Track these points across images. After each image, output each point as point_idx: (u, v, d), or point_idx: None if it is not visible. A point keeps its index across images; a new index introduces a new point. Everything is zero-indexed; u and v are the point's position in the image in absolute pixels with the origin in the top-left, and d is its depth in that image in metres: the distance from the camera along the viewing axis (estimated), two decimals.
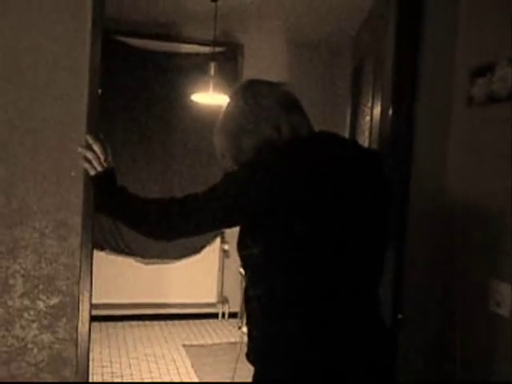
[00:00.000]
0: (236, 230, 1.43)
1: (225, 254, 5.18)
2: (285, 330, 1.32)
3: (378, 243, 1.43)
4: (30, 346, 1.79)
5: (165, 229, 1.44)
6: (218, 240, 5.14)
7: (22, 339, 1.79)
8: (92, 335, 1.92)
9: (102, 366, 3.88)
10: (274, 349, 1.34)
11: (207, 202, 1.37)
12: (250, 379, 1.43)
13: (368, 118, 2.68)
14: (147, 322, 4.98)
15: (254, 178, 1.32)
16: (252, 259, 1.38)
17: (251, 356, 1.42)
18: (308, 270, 1.31)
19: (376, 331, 1.39)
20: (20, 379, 1.79)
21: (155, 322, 5.01)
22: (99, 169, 1.58)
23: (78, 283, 1.82)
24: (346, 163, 1.38)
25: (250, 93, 1.46)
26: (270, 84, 1.49)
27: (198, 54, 4.92)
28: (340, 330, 1.32)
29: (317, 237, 1.30)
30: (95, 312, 2.06)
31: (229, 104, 1.50)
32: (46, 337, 1.81)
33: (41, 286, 1.79)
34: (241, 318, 4.77)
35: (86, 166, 1.61)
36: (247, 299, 1.45)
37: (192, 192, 1.41)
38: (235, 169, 1.43)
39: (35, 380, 1.80)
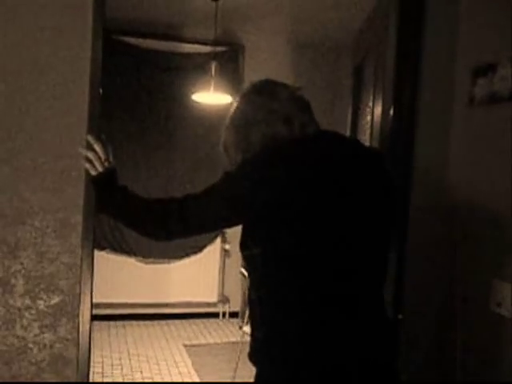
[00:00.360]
0: (237, 229, 1.42)
1: (226, 253, 5.18)
2: (285, 331, 1.31)
3: (381, 242, 1.41)
4: (30, 345, 1.79)
5: (163, 229, 1.44)
6: (219, 239, 5.14)
7: (23, 339, 1.79)
8: (93, 335, 1.92)
9: (103, 366, 3.88)
10: (275, 350, 1.33)
11: (206, 202, 1.37)
12: (250, 379, 1.42)
13: (369, 117, 2.68)
14: (148, 322, 4.99)
15: (254, 177, 1.31)
16: (253, 259, 1.37)
17: (253, 357, 1.41)
18: (308, 271, 1.30)
19: (378, 332, 1.37)
20: (21, 379, 1.79)
21: (156, 322, 5.01)
22: (100, 169, 1.58)
23: (79, 282, 1.82)
24: (347, 163, 1.37)
25: (264, 88, 1.47)
26: (284, 84, 1.49)
27: (198, 54, 4.92)
28: (341, 331, 1.30)
29: (317, 237, 1.29)
30: (96, 311, 2.06)
31: (242, 98, 1.49)
32: (47, 336, 1.81)
33: (42, 286, 1.79)
34: (241, 317, 4.78)
35: (87, 166, 1.61)
36: (250, 300, 1.45)
37: (191, 192, 1.41)
38: (235, 167, 1.41)
39: (36, 380, 1.80)
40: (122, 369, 3.86)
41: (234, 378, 3.54)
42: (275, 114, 1.41)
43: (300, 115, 1.43)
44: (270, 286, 1.34)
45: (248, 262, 1.40)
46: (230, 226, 1.49)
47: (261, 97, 1.44)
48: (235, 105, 1.50)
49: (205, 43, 4.78)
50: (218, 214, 1.37)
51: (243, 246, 1.39)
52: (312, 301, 1.30)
